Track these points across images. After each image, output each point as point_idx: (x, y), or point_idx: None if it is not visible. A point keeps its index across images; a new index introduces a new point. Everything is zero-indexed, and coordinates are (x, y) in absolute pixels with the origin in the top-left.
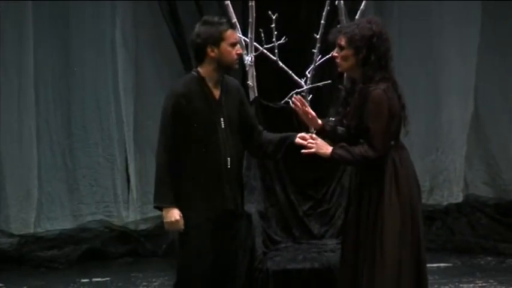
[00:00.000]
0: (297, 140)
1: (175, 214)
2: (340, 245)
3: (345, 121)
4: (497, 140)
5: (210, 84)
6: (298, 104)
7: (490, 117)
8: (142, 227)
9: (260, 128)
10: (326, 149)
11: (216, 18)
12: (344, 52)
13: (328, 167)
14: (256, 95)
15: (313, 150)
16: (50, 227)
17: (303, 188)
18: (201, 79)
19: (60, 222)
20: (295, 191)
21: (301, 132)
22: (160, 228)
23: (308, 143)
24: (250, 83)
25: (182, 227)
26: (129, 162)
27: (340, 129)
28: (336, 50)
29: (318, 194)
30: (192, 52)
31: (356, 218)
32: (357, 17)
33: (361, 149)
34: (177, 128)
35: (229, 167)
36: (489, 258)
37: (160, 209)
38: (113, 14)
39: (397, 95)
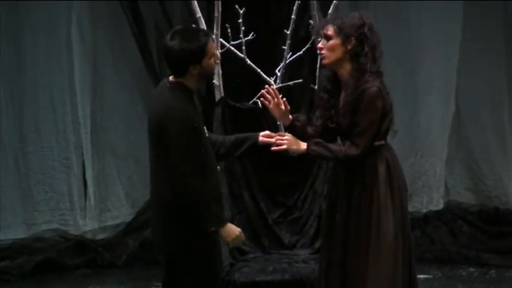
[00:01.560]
0: (261, 138)
1: (234, 227)
2: (322, 248)
3: (329, 124)
4: (480, 143)
5: (194, 96)
6: (269, 96)
7: (472, 118)
8: (101, 236)
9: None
10: (299, 145)
11: (193, 31)
12: (331, 42)
13: (300, 172)
14: (223, 94)
15: (284, 146)
16: (2, 237)
17: (273, 195)
18: (189, 92)
19: (12, 231)
20: (265, 198)
21: None
22: (119, 237)
23: (277, 140)
24: (216, 82)
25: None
26: (86, 166)
27: (310, 128)
28: (321, 41)
29: (289, 201)
30: (170, 67)
31: (345, 220)
32: (330, 11)
33: (341, 147)
34: (195, 148)
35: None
36: (471, 269)
37: (214, 231)
38: (69, 9)
39: (386, 92)
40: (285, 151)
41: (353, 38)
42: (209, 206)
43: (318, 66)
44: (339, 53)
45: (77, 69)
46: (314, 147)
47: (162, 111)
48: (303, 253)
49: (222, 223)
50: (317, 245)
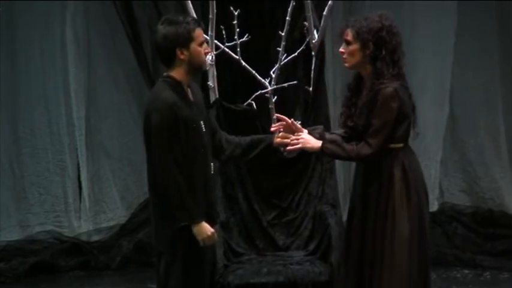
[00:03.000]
0: (277, 140)
1: (208, 227)
2: (345, 249)
3: (349, 122)
4: (475, 145)
5: (185, 88)
6: (281, 125)
7: (466, 120)
8: (95, 238)
9: (219, 130)
10: (314, 143)
11: (180, 17)
12: (351, 47)
13: (295, 174)
14: (217, 96)
15: (299, 146)
16: None
17: (267, 196)
18: (178, 84)
19: (6, 233)
20: (259, 200)
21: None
22: (113, 239)
23: (292, 140)
24: (211, 84)
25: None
26: (81, 168)
27: (329, 134)
28: (342, 45)
29: (284, 203)
30: (159, 55)
31: (362, 221)
32: (324, 13)
33: (354, 146)
34: (176, 140)
35: (212, 172)
36: (466, 271)
37: (185, 227)
38: (63, 9)
39: (408, 94)
40: (300, 150)
41: (371, 43)
42: (182, 200)
43: (312, 67)
44: (358, 58)
45: (72, 71)
46: (328, 146)
47: (148, 102)
48: (298, 255)
49: (193, 220)
50: (311, 246)
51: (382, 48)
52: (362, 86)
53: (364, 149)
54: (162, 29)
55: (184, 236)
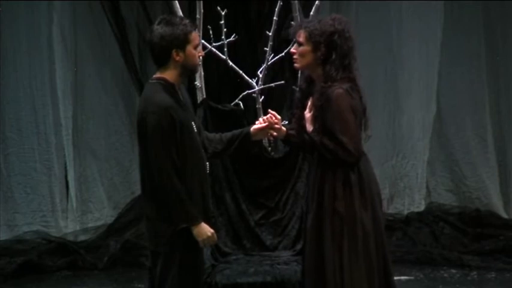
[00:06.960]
0: (254, 127)
1: (208, 228)
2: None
3: (302, 123)
4: (461, 145)
5: (177, 90)
6: (267, 123)
7: (453, 120)
8: (82, 238)
9: (203, 130)
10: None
11: (178, 18)
12: (302, 48)
13: (282, 174)
14: (204, 96)
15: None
16: None
17: (255, 196)
18: (171, 86)
19: None
20: (246, 200)
21: None
22: (100, 239)
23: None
24: (198, 84)
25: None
26: (67, 168)
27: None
28: (294, 45)
29: (271, 203)
30: (152, 55)
31: (316, 224)
32: (311, 13)
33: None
34: (173, 142)
35: (208, 171)
36: (453, 271)
37: (183, 228)
38: (50, 8)
39: (359, 96)
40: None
41: (323, 46)
42: (181, 202)
43: None
44: (309, 59)
45: (59, 70)
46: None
47: (142, 105)
48: (285, 255)
49: (193, 221)
50: (298, 246)
51: (333, 52)
52: (313, 88)
53: (346, 156)
54: (159, 28)
55: (181, 237)
